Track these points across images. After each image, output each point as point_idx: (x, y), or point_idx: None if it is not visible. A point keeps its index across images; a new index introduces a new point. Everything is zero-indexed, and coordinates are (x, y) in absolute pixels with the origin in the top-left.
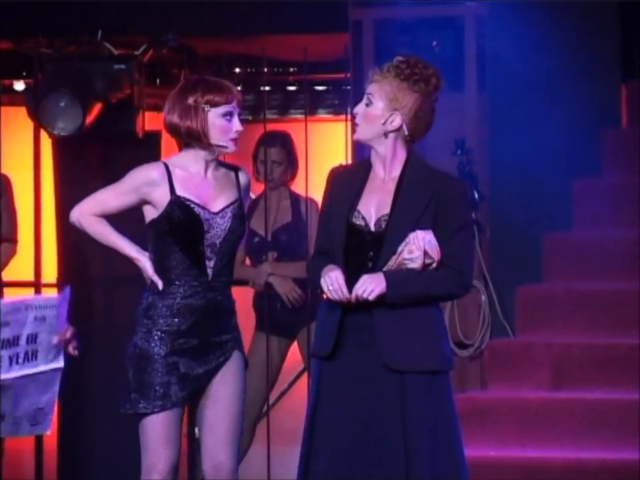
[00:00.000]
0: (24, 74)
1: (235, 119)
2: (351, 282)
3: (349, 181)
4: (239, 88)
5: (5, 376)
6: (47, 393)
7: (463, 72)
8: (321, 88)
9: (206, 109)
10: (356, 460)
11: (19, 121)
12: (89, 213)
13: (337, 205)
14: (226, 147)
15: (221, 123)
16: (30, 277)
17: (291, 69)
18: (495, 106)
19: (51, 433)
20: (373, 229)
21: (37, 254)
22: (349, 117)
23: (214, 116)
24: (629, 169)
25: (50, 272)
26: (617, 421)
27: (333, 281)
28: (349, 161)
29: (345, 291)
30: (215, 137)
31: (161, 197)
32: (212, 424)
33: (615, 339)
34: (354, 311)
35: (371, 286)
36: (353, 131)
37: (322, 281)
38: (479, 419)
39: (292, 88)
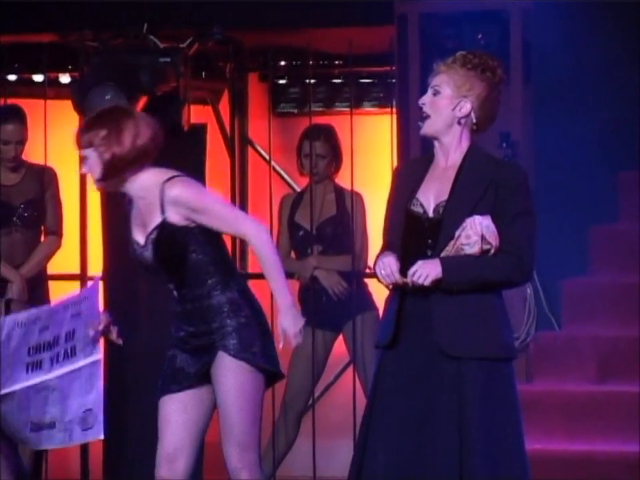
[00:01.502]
0: (70, 67)
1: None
2: (408, 269)
3: (411, 172)
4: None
5: (50, 375)
6: (92, 391)
7: (509, 65)
8: (366, 81)
9: None
10: (412, 449)
11: (65, 114)
12: None
13: (400, 196)
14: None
15: None
16: (76, 269)
17: (337, 62)
18: (540, 98)
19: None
20: (431, 215)
21: (83, 246)
22: (394, 109)
23: None
24: None
25: (96, 264)
26: None
27: (385, 266)
28: (394, 154)
29: (397, 275)
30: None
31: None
32: (220, 424)
33: None
34: (412, 299)
35: (425, 271)
36: (397, 125)
37: (376, 266)
38: (525, 411)
39: (337, 81)
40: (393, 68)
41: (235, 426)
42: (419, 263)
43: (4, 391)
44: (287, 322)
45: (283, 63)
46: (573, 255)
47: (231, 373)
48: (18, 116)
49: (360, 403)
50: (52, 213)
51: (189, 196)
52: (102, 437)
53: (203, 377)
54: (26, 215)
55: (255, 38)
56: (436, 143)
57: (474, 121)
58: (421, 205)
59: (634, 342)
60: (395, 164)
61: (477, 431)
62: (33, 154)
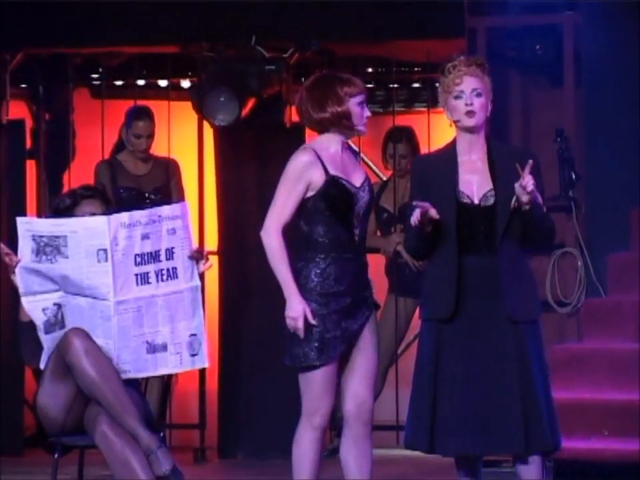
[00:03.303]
0: (189, 74)
1: (366, 107)
2: (462, 256)
3: (440, 167)
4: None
5: (157, 291)
6: (195, 317)
7: (562, 71)
8: None
9: (346, 98)
10: (479, 408)
11: (186, 113)
12: (275, 230)
13: (437, 188)
14: (362, 130)
15: (357, 110)
16: None
17: (415, 69)
18: (590, 100)
19: (213, 387)
20: (480, 204)
21: (201, 226)
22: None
23: (353, 104)
24: None
25: (212, 241)
26: None
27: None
28: None
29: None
30: (355, 122)
31: (318, 177)
32: (358, 370)
33: None
34: (472, 272)
35: (534, 187)
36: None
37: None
38: (576, 366)
39: (416, 85)
40: None
41: (375, 368)
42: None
43: (121, 297)
44: None
45: (370, 69)
46: (617, 233)
47: (376, 325)
48: (147, 114)
49: None
50: (176, 197)
51: None
52: (207, 365)
53: (361, 329)
54: (155, 199)
55: (346, 49)
56: (466, 137)
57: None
58: (468, 197)
59: None
60: None
61: (535, 379)
62: (157, 148)
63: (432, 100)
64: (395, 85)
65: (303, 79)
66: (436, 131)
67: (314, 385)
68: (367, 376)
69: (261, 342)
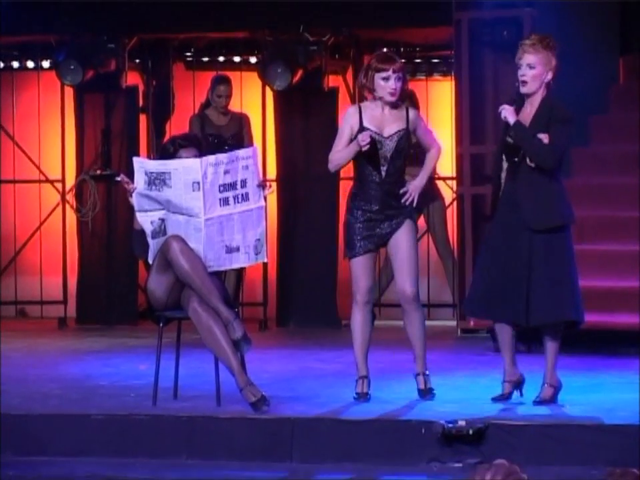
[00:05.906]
0: (255, 52)
1: (392, 81)
2: (507, 177)
3: (518, 111)
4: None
5: (234, 210)
6: (259, 227)
7: None
8: (435, 60)
9: (372, 74)
10: (501, 284)
11: (253, 81)
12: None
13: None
14: (385, 99)
15: (381, 83)
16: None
17: (417, 49)
18: None
19: (270, 270)
20: (514, 142)
21: (264, 162)
22: (452, 78)
23: (377, 78)
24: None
25: (272, 172)
26: (620, 263)
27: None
28: (453, 105)
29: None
30: (379, 92)
31: (355, 125)
32: (399, 266)
33: (618, 212)
34: (506, 189)
35: (506, 112)
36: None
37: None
38: None
39: (418, 60)
40: (452, 52)
41: (414, 267)
42: (507, 107)
43: (209, 216)
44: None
45: (385, 49)
46: None
47: (413, 233)
48: (226, 80)
49: (432, 254)
50: (247, 142)
51: (419, 116)
52: (266, 260)
53: (390, 234)
54: (232, 143)
55: (368, 34)
56: (527, 96)
57: (550, 81)
58: (510, 136)
59: (598, 218)
60: (453, 110)
61: (539, 279)
62: (233, 105)
63: (428, 71)
64: (403, 60)
65: (337, 56)
66: (431, 94)
67: (353, 272)
68: (404, 271)
69: (306, 242)
